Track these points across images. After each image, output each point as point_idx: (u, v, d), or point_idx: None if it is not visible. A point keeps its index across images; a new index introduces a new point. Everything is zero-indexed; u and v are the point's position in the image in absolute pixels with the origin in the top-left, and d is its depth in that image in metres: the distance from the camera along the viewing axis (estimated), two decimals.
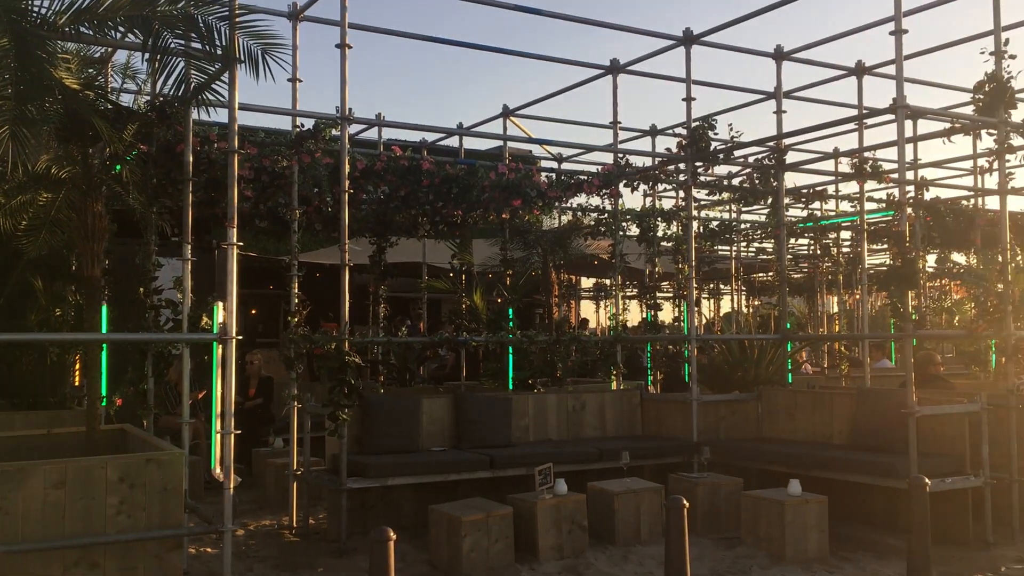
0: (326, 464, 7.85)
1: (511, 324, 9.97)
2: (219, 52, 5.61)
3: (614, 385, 10.13)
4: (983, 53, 7.78)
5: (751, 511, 7.24)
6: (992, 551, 7.01)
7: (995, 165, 8.03)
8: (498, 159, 10.25)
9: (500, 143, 11.13)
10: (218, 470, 5.65)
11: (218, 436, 5.67)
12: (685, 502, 5.59)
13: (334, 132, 7.61)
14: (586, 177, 9.56)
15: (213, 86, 5.95)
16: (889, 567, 6.62)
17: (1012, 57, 7.68)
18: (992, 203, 10.77)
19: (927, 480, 6.06)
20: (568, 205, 11.24)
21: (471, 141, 13.51)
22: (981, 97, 7.72)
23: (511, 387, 9.90)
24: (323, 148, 7.76)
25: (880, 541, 7.22)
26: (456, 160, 9.40)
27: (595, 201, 10.29)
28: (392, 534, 4.60)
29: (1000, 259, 7.90)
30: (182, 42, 5.63)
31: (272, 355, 13.70)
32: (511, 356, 10.01)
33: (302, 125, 7.81)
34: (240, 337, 5.73)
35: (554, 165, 12.46)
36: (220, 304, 5.68)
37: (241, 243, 5.77)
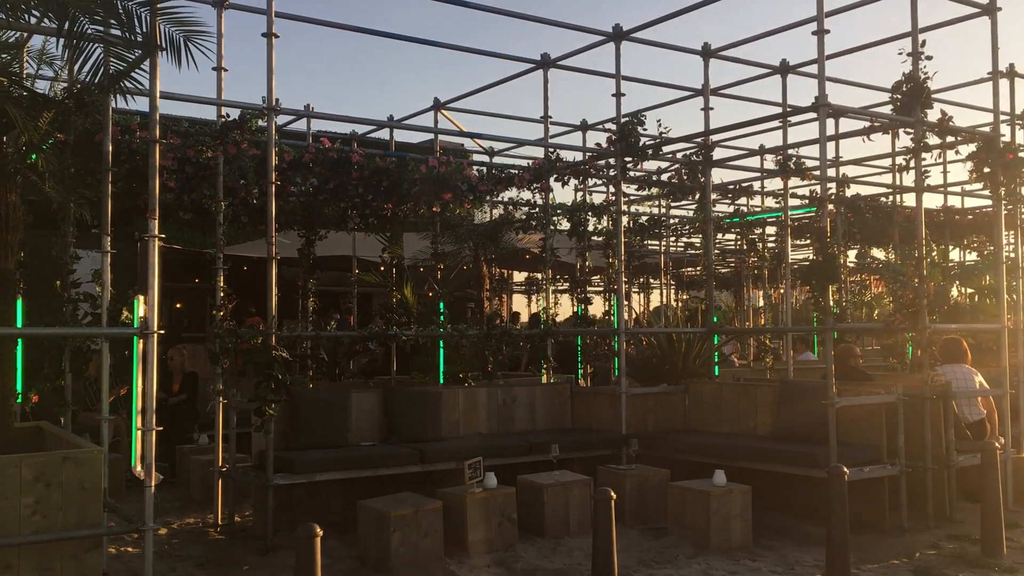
0: (252, 460, 7.73)
1: (442, 318, 9.95)
2: (139, 39, 5.46)
3: (544, 379, 10.19)
4: (901, 54, 8.00)
5: (677, 502, 7.35)
6: (907, 537, 7.25)
7: (912, 163, 8.28)
8: (430, 152, 10.20)
9: (431, 136, 11.08)
10: (139, 468, 5.52)
11: (139, 433, 5.54)
12: (613, 494, 5.65)
13: (260, 123, 7.49)
14: (517, 171, 9.57)
15: (133, 74, 5.78)
16: (809, 554, 6.79)
17: (928, 58, 7.91)
18: (910, 200, 11.13)
19: (846, 469, 6.23)
20: (499, 199, 11.25)
21: (402, 134, 13.48)
22: (899, 97, 7.94)
23: (442, 381, 9.88)
24: (249, 139, 7.62)
25: (801, 529, 7.40)
26: (386, 152, 9.33)
27: (526, 195, 10.33)
28: (319, 530, 4.55)
29: (916, 255, 8.15)
30: (100, 28, 5.45)
31: (199, 350, 13.43)
32: (442, 350, 9.98)
33: (227, 115, 7.65)
34: (162, 332, 5.60)
35: (485, 159, 12.47)
36: (141, 298, 5.54)
37: (163, 235, 5.63)
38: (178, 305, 16.96)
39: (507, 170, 9.64)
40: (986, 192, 8.94)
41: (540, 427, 9.31)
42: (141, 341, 5.48)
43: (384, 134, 12.29)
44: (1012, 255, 9.62)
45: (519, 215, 11.19)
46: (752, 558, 6.77)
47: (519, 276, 22.01)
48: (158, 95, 5.58)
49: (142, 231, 5.56)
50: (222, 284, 7.78)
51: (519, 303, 23.74)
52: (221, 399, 7.75)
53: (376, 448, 7.89)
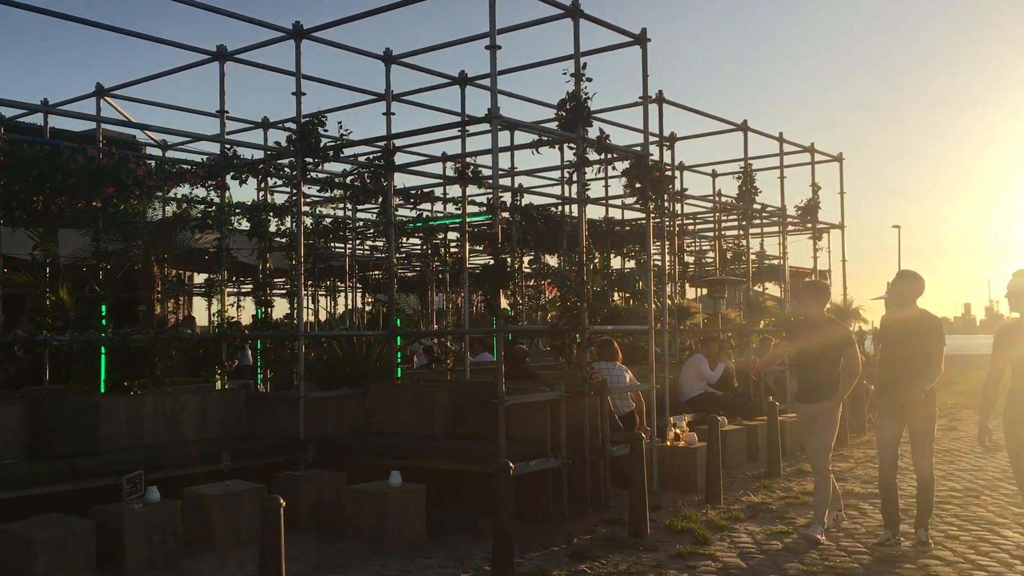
0: None
1: (104, 322, 9.16)
2: None
3: (219, 384, 9.75)
4: (565, 74, 8.58)
5: (354, 504, 7.34)
6: (568, 524, 7.77)
7: (575, 177, 8.91)
8: (92, 143, 9.36)
9: (94, 124, 10.20)
10: None
11: None
12: (282, 501, 5.51)
13: None
14: (190, 167, 9.07)
15: None
16: (480, 547, 7.06)
17: (589, 80, 8.54)
18: (575, 210, 11.99)
19: (511, 464, 6.56)
20: (173, 196, 10.60)
21: (62, 121, 12.27)
22: (563, 114, 8.51)
23: (103, 390, 9.10)
24: None
25: (475, 524, 7.66)
26: (35, 140, 8.42)
27: (203, 193, 9.82)
28: None
29: (578, 261, 8.78)
30: None
31: None
32: (104, 356, 9.20)
33: None
34: None
35: (158, 152, 11.72)
36: None
37: None
38: None
39: (179, 165, 9.10)
40: (639, 205, 9.80)
41: (212, 435, 8.87)
42: None
43: (38, 119, 11.14)
44: (659, 263, 10.67)
45: (196, 213, 10.61)
46: (426, 556, 6.91)
47: (200, 278, 20.90)
48: None
49: None
50: None
51: (200, 305, 22.54)
52: None
53: (19, 466, 7.10)
